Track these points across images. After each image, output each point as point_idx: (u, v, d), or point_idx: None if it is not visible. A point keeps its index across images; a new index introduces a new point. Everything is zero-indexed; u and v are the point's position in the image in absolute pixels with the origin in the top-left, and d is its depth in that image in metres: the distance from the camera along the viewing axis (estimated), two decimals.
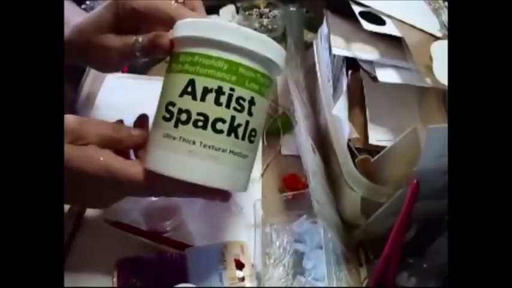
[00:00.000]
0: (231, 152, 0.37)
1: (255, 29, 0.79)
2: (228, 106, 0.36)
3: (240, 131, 0.37)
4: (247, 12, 0.81)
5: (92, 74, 0.69)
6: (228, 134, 0.36)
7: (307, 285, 0.47)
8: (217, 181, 0.37)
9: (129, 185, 0.39)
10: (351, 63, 0.54)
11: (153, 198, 0.53)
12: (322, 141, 0.57)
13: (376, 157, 0.47)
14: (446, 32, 0.56)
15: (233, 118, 0.36)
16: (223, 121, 0.36)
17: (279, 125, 0.65)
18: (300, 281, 0.48)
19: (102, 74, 0.68)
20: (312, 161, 0.50)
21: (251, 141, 0.38)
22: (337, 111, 0.49)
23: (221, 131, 0.36)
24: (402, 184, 0.42)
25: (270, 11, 0.82)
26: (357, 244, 0.52)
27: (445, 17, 0.60)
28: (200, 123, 0.36)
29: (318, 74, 0.58)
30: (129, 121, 0.62)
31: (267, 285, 0.48)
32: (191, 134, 0.36)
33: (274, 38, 0.77)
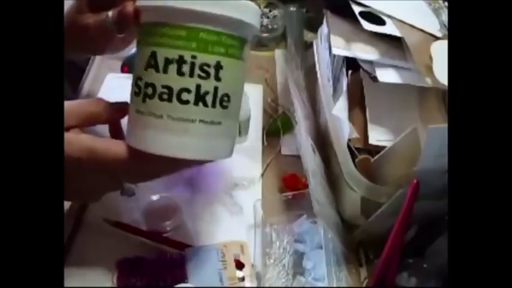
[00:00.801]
0: (201, 121, 0.36)
1: None
2: (191, 75, 0.35)
3: (209, 98, 0.36)
4: None
5: (92, 74, 0.69)
6: (195, 104, 0.35)
7: (307, 285, 0.47)
8: (191, 153, 0.36)
9: (114, 165, 0.37)
10: (351, 63, 0.54)
11: (153, 198, 0.53)
12: (322, 141, 0.57)
13: (376, 157, 0.47)
14: (446, 32, 0.56)
15: (198, 86, 0.35)
16: (188, 91, 0.35)
17: (279, 125, 0.65)
18: (300, 281, 0.48)
19: (102, 74, 0.68)
20: (312, 161, 0.50)
21: (224, 107, 0.37)
22: (337, 111, 0.49)
23: (187, 102, 0.35)
24: (402, 184, 0.42)
25: (270, 11, 0.82)
26: (357, 244, 0.52)
27: (445, 17, 0.60)
28: (165, 96, 0.35)
29: (318, 74, 0.58)
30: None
31: (267, 285, 0.48)
32: (158, 107, 0.35)
33: (274, 38, 0.79)
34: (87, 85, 0.68)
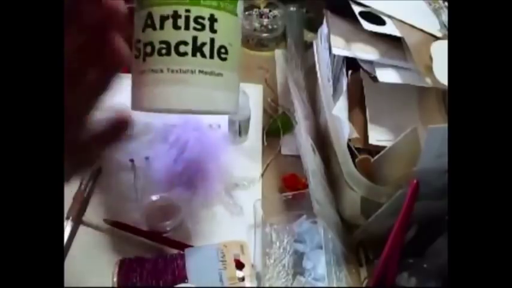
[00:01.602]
0: (201, 72, 0.37)
1: (255, 30, 0.79)
2: (187, 28, 0.36)
3: (206, 49, 0.37)
4: (247, 12, 0.81)
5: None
6: (193, 55, 0.37)
7: (307, 285, 0.47)
8: (192, 103, 0.37)
9: None
10: (351, 63, 0.54)
11: (153, 198, 0.53)
12: (322, 141, 0.57)
13: (376, 157, 0.47)
14: (446, 32, 0.56)
15: (195, 38, 0.37)
16: (185, 43, 0.37)
17: (279, 125, 0.65)
18: (300, 281, 0.48)
19: None
20: (312, 161, 0.50)
21: (222, 59, 0.38)
22: (337, 111, 0.49)
23: (185, 53, 0.37)
24: (402, 184, 0.42)
25: (270, 11, 0.82)
26: (357, 244, 0.52)
27: (445, 17, 0.60)
28: (164, 51, 0.37)
29: (318, 74, 0.58)
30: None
31: (267, 285, 0.48)
32: (157, 63, 0.37)
33: (274, 38, 0.79)
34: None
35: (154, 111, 0.40)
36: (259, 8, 0.83)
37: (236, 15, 0.39)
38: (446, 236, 0.44)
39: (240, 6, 0.40)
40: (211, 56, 0.37)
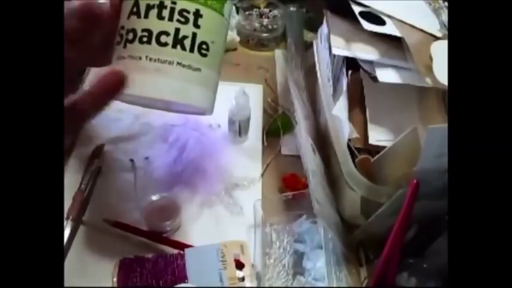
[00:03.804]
0: (179, 64, 0.37)
1: (255, 29, 0.79)
2: (170, 19, 0.37)
3: (187, 43, 0.37)
4: (247, 12, 0.81)
5: (92, 73, 0.69)
6: (174, 46, 0.37)
7: (307, 285, 0.47)
8: (166, 93, 0.38)
9: None
10: (351, 63, 0.54)
11: (153, 198, 0.53)
12: (322, 141, 0.57)
13: (376, 157, 0.47)
14: (446, 32, 0.56)
15: (177, 30, 0.37)
16: (167, 34, 0.37)
17: (279, 125, 0.65)
18: (300, 281, 0.48)
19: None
20: (312, 161, 0.50)
21: (202, 55, 0.38)
22: (337, 111, 0.49)
23: (166, 44, 0.37)
24: (402, 184, 0.42)
25: (270, 11, 0.82)
26: (357, 244, 0.52)
27: (445, 17, 0.60)
28: (145, 39, 0.37)
29: (318, 74, 0.58)
30: (128, 120, 0.62)
31: (267, 285, 0.48)
32: (137, 50, 0.37)
33: (274, 38, 0.79)
34: (87, 85, 0.68)
35: (127, 99, 0.40)
36: (259, 8, 0.83)
37: (223, 15, 0.39)
38: (446, 236, 0.44)
39: (228, 8, 0.40)
40: (191, 50, 0.38)
